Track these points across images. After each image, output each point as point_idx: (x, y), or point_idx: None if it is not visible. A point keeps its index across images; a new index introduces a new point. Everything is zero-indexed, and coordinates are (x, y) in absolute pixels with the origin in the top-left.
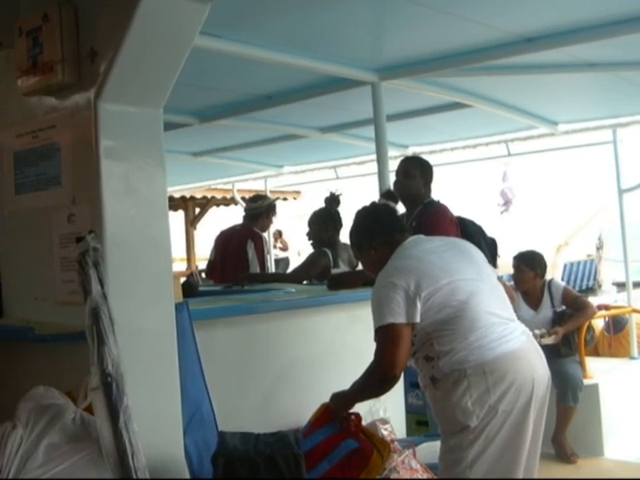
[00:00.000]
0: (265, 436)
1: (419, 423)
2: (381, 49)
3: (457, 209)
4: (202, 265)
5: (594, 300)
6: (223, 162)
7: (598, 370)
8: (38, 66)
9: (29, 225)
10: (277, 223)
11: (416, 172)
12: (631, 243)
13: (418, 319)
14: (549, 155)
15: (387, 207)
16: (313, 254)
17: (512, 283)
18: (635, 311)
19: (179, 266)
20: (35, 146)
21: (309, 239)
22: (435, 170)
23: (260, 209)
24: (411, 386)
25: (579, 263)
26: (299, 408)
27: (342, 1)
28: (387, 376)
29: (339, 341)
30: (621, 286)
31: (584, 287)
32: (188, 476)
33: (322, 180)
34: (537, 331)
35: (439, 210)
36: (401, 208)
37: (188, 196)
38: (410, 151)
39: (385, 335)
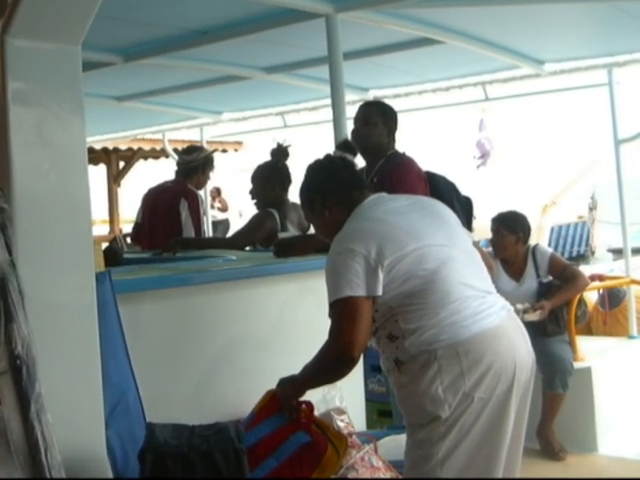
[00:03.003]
0: (201, 428)
1: (381, 413)
2: None
3: (426, 163)
4: (127, 228)
5: (586, 269)
6: (152, 108)
7: (591, 351)
8: None
9: None
10: (215, 179)
11: (378, 119)
12: (629, 203)
13: (380, 291)
14: (534, 100)
15: (344, 160)
16: (257, 215)
17: (490, 249)
18: (634, 282)
19: (100, 229)
20: None
21: (252, 198)
22: (400, 117)
23: (195, 163)
24: (372, 370)
25: (569, 226)
26: (241, 396)
27: None
28: (344, 358)
29: (288, 317)
30: (618, 253)
31: (574, 254)
32: (111, 475)
33: (267, 129)
34: (520, 306)
35: (405, 164)
36: (360, 161)
37: (111, 147)
38: (371, 95)
39: (342, 310)
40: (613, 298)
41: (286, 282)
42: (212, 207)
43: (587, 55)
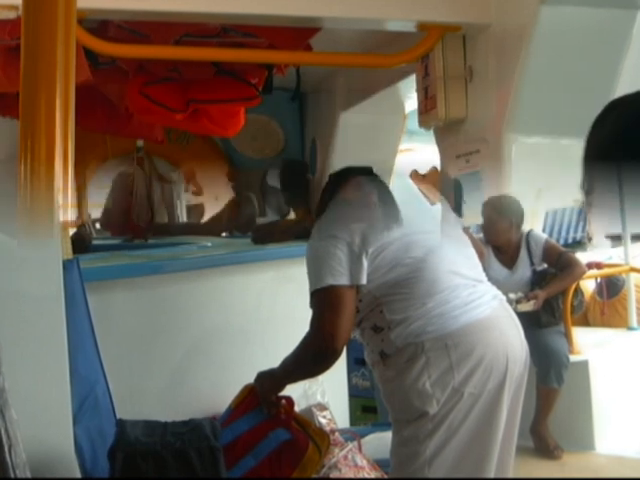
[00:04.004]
0: (174, 425)
1: (366, 409)
2: None
3: None
4: (96, 213)
5: (583, 256)
6: None
7: (588, 343)
8: None
9: None
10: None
11: None
12: None
13: (364, 280)
14: None
15: None
16: (234, 200)
17: (481, 235)
18: (633, 270)
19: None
20: None
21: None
22: None
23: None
24: (356, 364)
25: (564, 210)
26: (217, 390)
27: None
28: (326, 351)
29: (266, 307)
30: (616, 239)
31: (571, 240)
32: (79, 474)
33: None
34: (512, 295)
35: None
36: None
37: None
38: None
39: (323, 300)
40: (611, 287)
41: (264, 270)
42: (186, 191)
43: None
